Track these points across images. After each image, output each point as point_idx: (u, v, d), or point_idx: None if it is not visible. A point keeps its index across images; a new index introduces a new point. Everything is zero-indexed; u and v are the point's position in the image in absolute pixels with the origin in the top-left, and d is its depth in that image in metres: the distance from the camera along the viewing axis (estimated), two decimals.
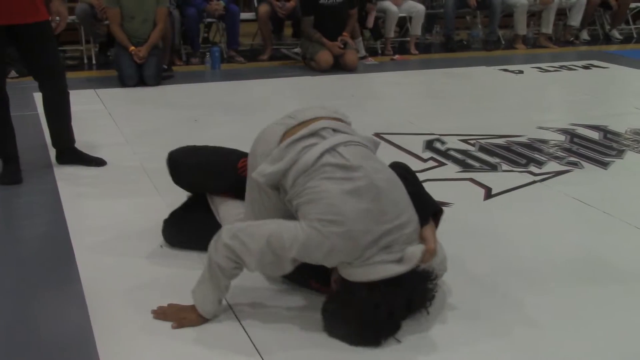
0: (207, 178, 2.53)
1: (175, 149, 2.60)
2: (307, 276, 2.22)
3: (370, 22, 7.06)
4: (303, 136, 2.08)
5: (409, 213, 2.02)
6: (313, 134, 2.09)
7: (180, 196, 2.77)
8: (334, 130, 2.14)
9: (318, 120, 2.18)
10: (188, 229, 2.62)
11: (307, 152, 2.02)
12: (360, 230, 1.89)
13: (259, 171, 2.07)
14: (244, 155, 2.43)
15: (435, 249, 2.05)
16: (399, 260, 1.92)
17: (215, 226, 2.22)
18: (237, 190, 2.42)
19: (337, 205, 1.91)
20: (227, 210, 2.48)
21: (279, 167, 2.03)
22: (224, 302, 2.23)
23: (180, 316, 2.10)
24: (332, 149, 2.03)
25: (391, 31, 7.31)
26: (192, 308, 2.10)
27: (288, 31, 7.89)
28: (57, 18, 3.27)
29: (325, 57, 6.19)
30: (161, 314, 2.12)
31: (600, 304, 2.29)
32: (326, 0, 6.20)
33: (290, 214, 2.07)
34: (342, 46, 6.26)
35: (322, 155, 2.01)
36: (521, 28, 7.79)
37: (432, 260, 2.05)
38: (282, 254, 1.92)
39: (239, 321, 2.13)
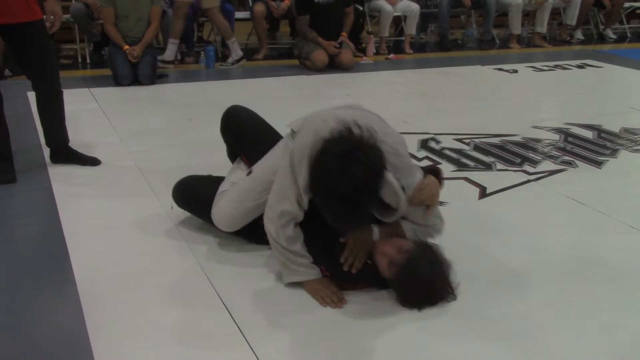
0: (250, 138, 2.68)
1: (235, 105, 2.82)
2: (317, 262, 2.27)
3: (370, 51, 7.07)
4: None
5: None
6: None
7: None
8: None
9: None
10: (196, 194, 2.69)
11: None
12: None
13: (293, 122, 2.35)
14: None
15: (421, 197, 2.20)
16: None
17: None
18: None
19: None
20: (230, 173, 2.66)
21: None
22: (219, 301, 2.24)
23: (323, 291, 2.23)
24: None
25: (386, 30, 7.31)
26: (309, 284, 2.26)
27: (285, 30, 7.89)
28: (52, 17, 3.26)
29: (320, 56, 6.19)
30: (327, 301, 2.22)
31: (594, 302, 2.30)
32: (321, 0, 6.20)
33: None
34: (338, 46, 6.26)
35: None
36: (516, 27, 7.80)
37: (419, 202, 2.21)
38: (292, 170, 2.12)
39: (235, 322, 2.13)
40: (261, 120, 2.75)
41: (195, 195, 2.68)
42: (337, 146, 1.93)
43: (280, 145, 2.46)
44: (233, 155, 2.80)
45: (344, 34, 6.38)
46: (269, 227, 2.22)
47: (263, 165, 2.46)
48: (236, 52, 6.40)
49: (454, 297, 2.23)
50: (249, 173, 2.48)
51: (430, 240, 2.29)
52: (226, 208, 2.48)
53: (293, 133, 2.32)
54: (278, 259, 2.28)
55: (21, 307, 2.23)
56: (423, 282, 2.13)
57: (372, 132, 2.02)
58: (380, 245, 2.21)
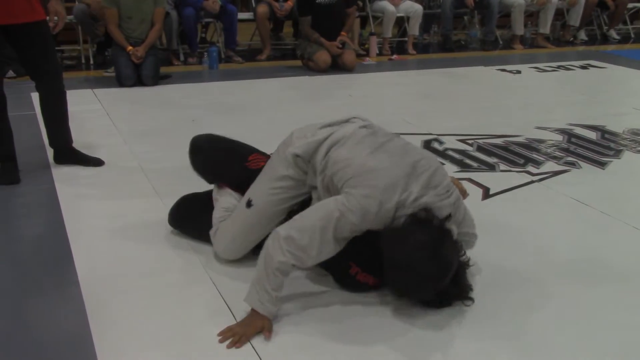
0: (219, 164, 2.63)
1: (199, 134, 2.70)
2: (346, 259, 2.21)
3: (373, 52, 7.07)
4: (338, 121, 2.34)
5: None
6: (346, 121, 2.35)
7: (176, 196, 2.77)
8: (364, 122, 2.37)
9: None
10: (189, 217, 2.68)
11: (343, 127, 2.28)
12: (393, 168, 2.08)
13: (297, 146, 2.27)
14: (256, 151, 2.62)
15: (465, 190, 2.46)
16: (448, 196, 2.13)
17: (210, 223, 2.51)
18: (240, 183, 2.52)
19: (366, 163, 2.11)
20: (219, 199, 2.57)
21: (316, 139, 2.25)
22: (223, 303, 2.24)
23: (246, 328, 2.05)
24: (366, 127, 2.30)
25: (389, 31, 7.31)
26: (252, 315, 2.07)
27: (288, 30, 7.89)
28: (56, 18, 3.26)
29: (323, 57, 6.19)
30: (229, 336, 2.03)
31: (599, 302, 2.29)
32: (323, 0, 6.20)
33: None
34: (341, 46, 6.26)
35: (357, 130, 2.26)
36: (519, 28, 7.80)
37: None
38: (337, 226, 2.02)
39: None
40: (227, 141, 2.69)
41: (192, 224, 2.66)
42: (426, 233, 2.00)
43: (275, 167, 2.35)
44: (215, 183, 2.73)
45: (344, 33, 6.38)
46: (275, 247, 2.04)
47: (263, 196, 2.35)
48: None
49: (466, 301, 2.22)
50: (249, 204, 2.37)
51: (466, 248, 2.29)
52: (230, 244, 2.43)
53: (297, 157, 2.27)
54: (261, 273, 2.07)
55: (25, 307, 2.23)
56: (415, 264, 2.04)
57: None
58: None
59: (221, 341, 2.02)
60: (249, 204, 2.37)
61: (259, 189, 2.38)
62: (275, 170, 2.35)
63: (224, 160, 2.63)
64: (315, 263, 2.11)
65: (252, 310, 2.07)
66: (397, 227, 2.03)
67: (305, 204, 2.32)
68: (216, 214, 2.52)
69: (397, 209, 2.04)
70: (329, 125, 2.33)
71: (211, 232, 2.51)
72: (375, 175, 2.06)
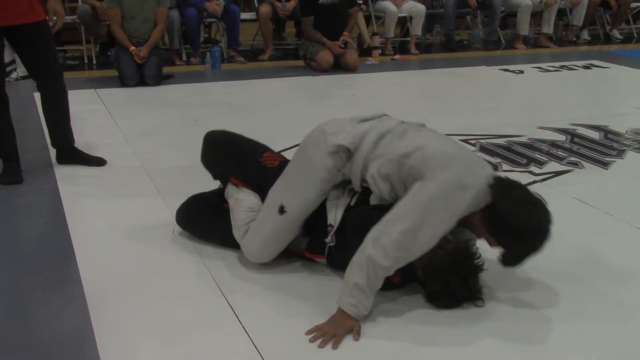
0: (233, 158, 2.62)
1: (214, 129, 2.71)
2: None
3: (375, 52, 7.06)
4: (372, 116, 2.37)
5: None
6: (380, 117, 2.39)
7: (179, 196, 2.77)
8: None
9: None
10: (198, 217, 2.66)
11: (383, 121, 2.33)
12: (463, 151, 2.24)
13: (340, 137, 2.26)
14: (269, 149, 2.61)
15: None
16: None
17: (221, 224, 2.49)
18: (252, 179, 2.52)
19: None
20: (241, 198, 2.51)
21: (360, 130, 2.27)
22: (225, 301, 2.24)
23: (337, 329, 2.04)
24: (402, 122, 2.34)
25: (390, 31, 7.31)
26: (341, 316, 2.08)
27: (291, 30, 7.89)
28: (55, 17, 3.26)
29: (325, 57, 6.19)
30: (319, 335, 2.03)
31: (600, 302, 2.29)
32: (325, 0, 6.20)
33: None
34: (343, 46, 6.26)
35: (401, 122, 2.34)
36: (524, 28, 7.79)
37: None
38: (446, 207, 2.04)
39: (240, 322, 2.13)
40: (241, 137, 2.69)
41: (200, 225, 2.65)
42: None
43: (307, 169, 2.32)
44: (220, 178, 2.73)
45: (346, 32, 6.38)
46: (379, 254, 2.02)
47: (297, 202, 2.32)
48: None
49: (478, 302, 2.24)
50: (282, 210, 2.32)
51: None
52: (262, 248, 2.40)
53: (340, 148, 2.27)
54: (362, 278, 2.05)
55: (27, 307, 2.24)
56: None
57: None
58: None
59: (312, 340, 2.02)
60: (281, 211, 2.32)
61: (292, 196, 2.32)
62: (307, 174, 2.31)
63: (238, 155, 2.62)
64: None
65: (340, 310, 2.08)
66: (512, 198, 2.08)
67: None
68: (240, 215, 2.46)
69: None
70: (365, 119, 2.36)
71: (237, 234, 2.45)
72: (457, 158, 2.13)
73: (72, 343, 2.03)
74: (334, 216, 2.32)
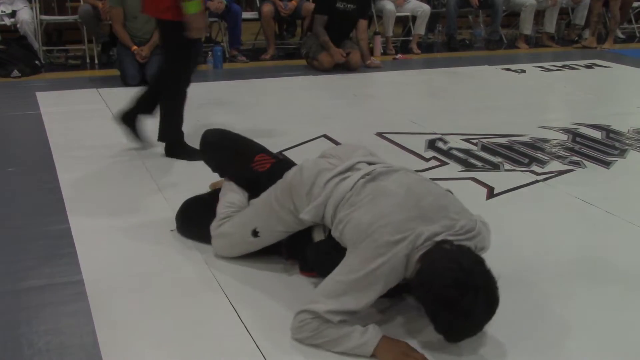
0: (225, 161, 2.66)
1: (210, 129, 2.75)
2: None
3: (377, 51, 7.06)
4: (340, 172, 2.19)
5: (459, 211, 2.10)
6: (349, 169, 2.20)
7: (180, 194, 2.77)
8: (369, 163, 2.23)
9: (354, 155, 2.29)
10: (194, 220, 2.67)
11: (344, 181, 2.14)
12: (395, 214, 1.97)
13: (305, 211, 2.18)
14: (263, 151, 2.60)
15: None
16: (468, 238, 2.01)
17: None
18: (244, 183, 2.54)
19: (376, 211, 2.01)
20: (226, 192, 2.56)
21: (319, 201, 2.15)
22: (227, 300, 2.24)
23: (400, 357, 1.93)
24: (367, 175, 2.14)
25: (389, 30, 7.30)
26: (385, 349, 1.94)
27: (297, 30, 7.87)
28: None
29: (328, 57, 6.17)
30: None
31: (603, 303, 2.29)
32: (342, 5, 6.17)
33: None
34: (345, 55, 6.19)
35: (357, 182, 2.12)
36: (527, 28, 7.79)
37: None
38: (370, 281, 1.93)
39: (242, 321, 2.14)
40: (235, 138, 2.71)
41: (197, 230, 2.63)
42: (478, 278, 1.89)
43: (284, 215, 2.27)
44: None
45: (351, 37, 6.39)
46: (319, 322, 1.95)
47: (269, 232, 2.34)
48: None
49: None
50: (255, 234, 2.35)
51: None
52: (228, 249, 2.48)
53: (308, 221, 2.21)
54: (331, 339, 1.96)
55: (29, 307, 2.23)
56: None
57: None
58: None
59: None
60: (255, 234, 2.36)
61: (267, 224, 2.33)
62: (284, 218, 2.28)
63: (229, 159, 2.65)
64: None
65: (378, 352, 1.94)
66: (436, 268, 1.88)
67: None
68: (220, 209, 2.52)
69: (411, 252, 1.94)
70: (333, 176, 2.18)
71: (212, 226, 2.49)
72: (378, 227, 1.96)
73: (74, 343, 2.02)
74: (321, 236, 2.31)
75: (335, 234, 2.13)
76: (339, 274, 1.99)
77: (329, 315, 1.93)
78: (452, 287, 1.83)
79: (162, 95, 3.55)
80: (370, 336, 1.94)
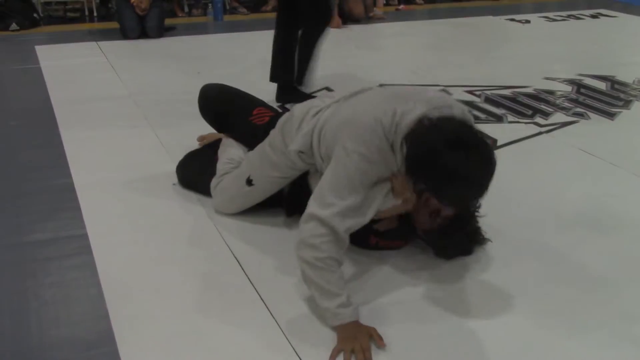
0: (224, 116, 2.66)
1: (209, 83, 2.76)
2: (363, 231, 2.04)
3: (380, 2, 6.91)
4: (332, 103, 2.20)
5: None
6: (341, 99, 2.20)
7: (182, 148, 2.77)
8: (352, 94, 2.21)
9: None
10: (192, 171, 2.68)
11: (324, 111, 2.16)
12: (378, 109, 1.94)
13: (295, 142, 2.17)
14: (262, 104, 2.61)
15: None
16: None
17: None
18: (243, 136, 2.55)
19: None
20: (226, 149, 2.57)
21: (306, 130, 2.15)
22: (232, 257, 2.25)
23: (354, 342, 1.77)
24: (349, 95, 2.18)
25: None
26: (344, 330, 1.82)
27: None
28: None
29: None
30: (347, 358, 1.76)
31: (607, 254, 2.29)
32: None
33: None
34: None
35: (338, 100, 2.17)
36: None
37: None
38: (350, 189, 1.89)
39: (246, 275, 2.15)
40: (234, 92, 2.70)
41: (199, 182, 2.63)
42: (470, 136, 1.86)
43: (278, 157, 2.26)
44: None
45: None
46: (307, 246, 1.86)
47: (263, 180, 2.32)
48: None
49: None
50: (249, 182, 2.34)
51: None
52: (227, 204, 2.47)
53: (301, 154, 2.17)
54: (312, 290, 1.88)
55: (34, 260, 2.25)
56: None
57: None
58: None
59: None
60: (249, 182, 2.35)
61: (260, 172, 2.32)
62: (276, 161, 2.26)
63: (228, 113, 2.65)
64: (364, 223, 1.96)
65: (339, 328, 1.83)
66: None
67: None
68: (220, 165, 2.53)
69: (394, 137, 1.90)
70: (325, 107, 2.19)
71: (212, 183, 2.51)
72: (355, 115, 1.98)
73: (89, 329, 1.92)
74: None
75: (318, 160, 2.13)
76: (329, 174, 1.94)
77: (335, 221, 1.84)
78: (443, 150, 1.77)
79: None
80: (345, 315, 1.83)
